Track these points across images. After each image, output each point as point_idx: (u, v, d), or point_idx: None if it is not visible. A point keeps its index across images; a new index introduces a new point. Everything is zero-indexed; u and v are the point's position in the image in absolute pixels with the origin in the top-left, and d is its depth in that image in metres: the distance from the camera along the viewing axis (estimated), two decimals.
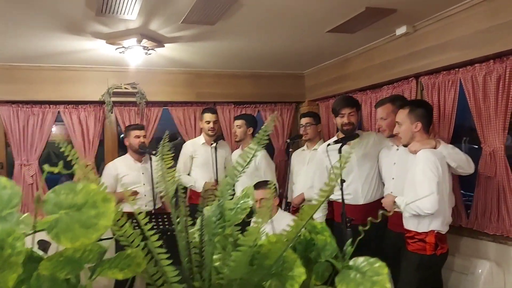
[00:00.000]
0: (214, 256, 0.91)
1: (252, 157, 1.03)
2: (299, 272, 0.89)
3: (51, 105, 4.29)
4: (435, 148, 2.59)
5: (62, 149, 0.89)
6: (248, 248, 0.87)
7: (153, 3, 2.62)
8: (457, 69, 3.13)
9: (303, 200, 3.79)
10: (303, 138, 3.97)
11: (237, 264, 0.85)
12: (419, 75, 3.47)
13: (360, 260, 0.93)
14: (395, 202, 2.70)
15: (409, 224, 2.65)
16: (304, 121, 3.97)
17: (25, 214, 0.75)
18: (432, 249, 2.55)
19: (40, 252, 0.79)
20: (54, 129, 4.55)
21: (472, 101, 3.01)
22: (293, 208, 3.90)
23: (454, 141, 3.50)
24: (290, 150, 3.96)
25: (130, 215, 0.96)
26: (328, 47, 3.94)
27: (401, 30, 3.37)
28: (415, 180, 2.53)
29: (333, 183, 0.89)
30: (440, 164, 2.50)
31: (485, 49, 2.76)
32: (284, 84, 5.06)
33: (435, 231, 2.55)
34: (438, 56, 3.17)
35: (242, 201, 1.03)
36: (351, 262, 0.94)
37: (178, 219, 0.99)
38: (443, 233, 2.58)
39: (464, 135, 3.93)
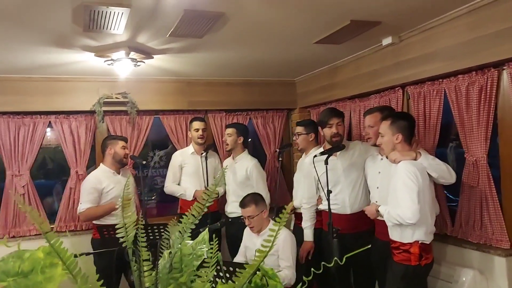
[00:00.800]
0: None
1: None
2: None
3: (42, 116, 4.32)
4: (415, 159, 2.64)
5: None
6: None
7: (138, 18, 2.65)
8: (441, 80, 3.18)
9: (294, 208, 3.82)
10: (296, 147, 3.99)
11: None
12: (405, 84, 3.51)
13: None
14: (378, 210, 2.76)
15: (394, 234, 2.70)
16: (296, 130, 3.98)
17: None
18: (416, 259, 2.60)
19: None
20: (49, 133, 4.58)
21: (456, 111, 3.06)
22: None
23: (442, 146, 3.56)
24: (280, 159, 3.99)
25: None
26: (317, 56, 3.98)
27: (387, 41, 3.42)
28: (397, 191, 2.58)
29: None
30: (420, 174, 2.55)
31: (467, 61, 2.81)
32: (276, 92, 5.09)
33: (419, 242, 2.59)
34: (422, 66, 3.21)
35: (198, 247, 1.06)
36: None
37: (135, 267, 1.03)
38: (427, 243, 2.63)
39: (452, 140, 3.97)
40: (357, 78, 4.01)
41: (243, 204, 3.24)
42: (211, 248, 1.05)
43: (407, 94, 3.55)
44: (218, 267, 1.17)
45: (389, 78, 3.59)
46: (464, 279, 2.83)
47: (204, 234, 1.13)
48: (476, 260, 2.93)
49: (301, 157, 3.96)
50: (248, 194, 3.36)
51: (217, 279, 1.13)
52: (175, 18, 2.66)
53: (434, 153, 3.27)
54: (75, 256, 0.97)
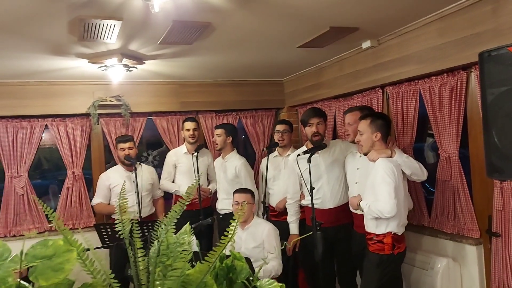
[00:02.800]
0: (156, 282, 1.15)
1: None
2: None
3: (39, 119, 4.48)
4: (391, 157, 2.84)
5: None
6: (176, 277, 1.11)
7: (130, 29, 2.83)
8: (417, 81, 3.38)
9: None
10: (280, 144, 4.20)
11: None
12: (384, 85, 3.72)
13: (263, 282, 1.18)
14: (359, 204, 2.96)
15: (369, 227, 2.91)
16: (281, 127, 4.19)
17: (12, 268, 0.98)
18: (390, 249, 2.81)
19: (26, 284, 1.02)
20: (44, 135, 4.75)
21: (430, 110, 3.27)
22: (273, 212, 4.14)
23: (419, 141, 3.77)
24: (267, 158, 4.20)
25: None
26: (302, 59, 4.17)
27: (366, 44, 3.62)
28: (375, 186, 2.78)
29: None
30: (396, 170, 2.76)
31: (437, 64, 3.02)
32: (265, 91, 5.29)
33: (392, 233, 2.80)
34: (399, 68, 3.42)
35: (181, 237, 1.25)
36: (258, 283, 1.18)
37: (131, 254, 1.22)
38: (399, 234, 2.84)
39: (431, 135, 4.17)
40: (341, 79, 4.21)
41: (241, 190, 3.48)
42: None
43: (387, 94, 3.75)
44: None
45: (370, 79, 3.79)
46: (438, 266, 3.05)
47: (186, 226, 1.32)
48: (450, 248, 3.16)
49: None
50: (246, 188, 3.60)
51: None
52: (164, 28, 2.84)
53: (411, 149, 3.49)
54: (87, 249, 1.19)
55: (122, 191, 1.37)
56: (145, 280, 1.15)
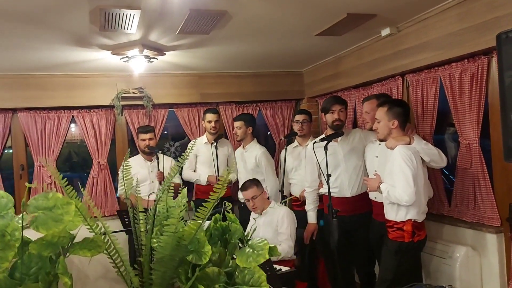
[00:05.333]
0: (153, 240, 1.21)
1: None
2: (207, 249, 1.24)
3: (65, 110, 4.64)
4: (409, 144, 2.82)
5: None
6: (171, 234, 1.16)
7: (148, 19, 2.90)
8: (437, 68, 3.33)
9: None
10: (299, 134, 4.21)
11: (165, 244, 1.15)
12: (404, 73, 3.68)
13: (255, 241, 1.22)
14: (379, 186, 2.92)
15: (389, 214, 2.90)
16: (301, 117, 4.21)
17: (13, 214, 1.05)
18: (409, 236, 2.79)
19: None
20: (74, 129, 4.91)
21: (450, 97, 3.22)
22: (296, 202, 4.16)
23: (440, 133, 3.72)
24: (286, 147, 4.22)
25: None
26: (320, 48, 4.16)
27: (385, 32, 3.59)
28: (393, 174, 2.77)
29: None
30: (414, 158, 2.74)
31: (457, 49, 2.97)
32: (284, 82, 5.30)
33: (412, 220, 2.79)
34: (419, 55, 3.37)
35: (181, 200, 1.30)
36: (249, 242, 1.23)
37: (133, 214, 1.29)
38: (420, 221, 2.82)
39: (452, 125, 4.11)
40: (360, 68, 4.18)
41: (244, 187, 3.51)
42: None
43: (407, 82, 3.71)
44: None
45: (389, 66, 3.75)
46: (457, 255, 3.01)
47: (184, 189, 1.38)
48: (469, 237, 3.11)
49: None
50: (246, 180, 3.62)
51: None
52: (181, 17, 2.89)
53: (431, 138, 3.45)
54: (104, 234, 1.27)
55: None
56: (145, 240, 1.21)
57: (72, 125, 4.83)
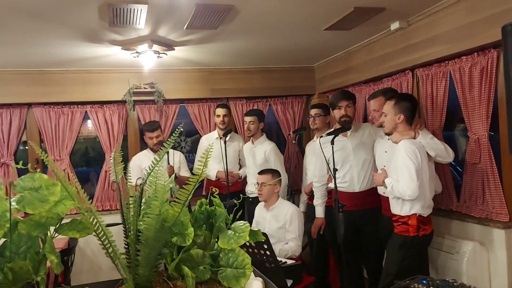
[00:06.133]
0: (139, 222, 1.25)
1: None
2: (190, 230, 1.27)
3: (79, 106, 4.73)
4: (414, 138, 2.80)
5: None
6: (155, 216, 1.19)
7: (156, 14, 2.94)
8: (447, 62, 3.29)
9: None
10: (312, 127, 4.20)
11: (148, 226, 1.19)
12: (414, 67, 3.64)
13: (237, 224, 1.25)
14: (384, 181, 2.92)
15: (394, 208, 2.89)
16: (313, 112, 4.20)
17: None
18: (414, 230, 2.78)
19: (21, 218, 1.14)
20: (90, 125, 5.01)
21: (460, 91, 3.18)
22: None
23: (450, 130, 3.68)
24: (294, 142, 4.22)
25: None
26: (330, 43, 4.15)
27: (394, 26, 3.55)
28: (397, 168, 2.76)
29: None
30: (419, 152, 2.72)
31: (467, 43, 2.93)
32: (295, 78, 5.29)
33: (417, 214, 2.77)
34: (428, 49, 3.34)
35: (169, 185, 1.34)
36: (232, 225, 1.25)
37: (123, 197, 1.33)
38: (425, 215, 2.80)
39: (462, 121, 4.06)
40: (370, 62, 4.16)
41: (261, 172, 3.56)
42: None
43: (417, 77, 3.67)
44: None
45: (399, 61, 3.72)
46: (464, 250, 2.98)
47: (173, 176, 1.41)
48: (477, 232, 3.08)
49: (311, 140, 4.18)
50: (270, 168, 3.65)
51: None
52: (189, 12, 2.93)
53: (440, 133, 3.41)
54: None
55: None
56: (132, 222, 1.25)
57: (89, 121, 4.92)
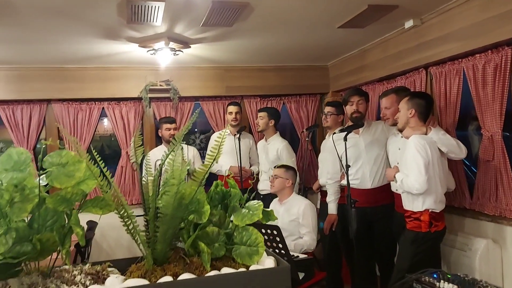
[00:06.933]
0: (158, 201, 1.31)
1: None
2: (207, 208, 1.33)
3: (96, 102, 4.84)
4: (425, 134, 2.82)
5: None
6: (173, 193, 1.25)
7: (173, 11, 3.01)
8: (460, 59, 3.30)
9: (320, 185, 4.09)
10: (323, 125, 4.24)
11: (167, 204, 1.25)
12: (428, 65, 3.65)
13: (251, 203, 1.30)
14: (395, 176, 2.95)
15: (407, 204, 2.91)
16: (326, 109, 4.22)
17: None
18: (426, 226, 2.79)
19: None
20: (106, 123, 5.12)
21: (473, 89, 3.19)
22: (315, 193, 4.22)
23: (461, 128, 3.67)
24: (307, 139, 4.26)
25: None
26: (344, 41, 4.18)
27: (408, 24, 3.57)
28: (407, 163, 2.78)
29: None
30: (429, 147, 2.73)
31: (480, 40, 2.94)
32: (309, 76, 5.33)
33: (429, 210, 2.78)
34: (442, 47, 3.35)
35: (186, 167, 1.40)
36: (246, 204, 1.31)
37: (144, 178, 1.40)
38: (437, 211, 2.80)
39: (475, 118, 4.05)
40: (384, 60, 4.17)
41: (278, 166, 3.62)
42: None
43: (430, 75, 3.68)
44: None
45: (413, 58, 3.73)
46: (477, 247, 2.98)
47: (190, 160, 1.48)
48: (490, 230, 3.07)
49: (324, 138, 4.21)
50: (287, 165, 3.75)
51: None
52: (205, 9, 2.99)
53: (454, 131, 3.42)
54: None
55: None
56: (151, 200, 1.32)
57: (105, 119, 5.03)
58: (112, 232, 4.73)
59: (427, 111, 2.99)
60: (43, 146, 1.24)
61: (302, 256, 3.16)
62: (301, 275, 2.92)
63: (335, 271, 4.02)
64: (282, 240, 2.71)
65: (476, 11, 2.91)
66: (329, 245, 3.92)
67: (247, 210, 1.34)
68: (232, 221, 1.37)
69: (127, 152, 4.88)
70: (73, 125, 4.77)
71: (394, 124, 3.27)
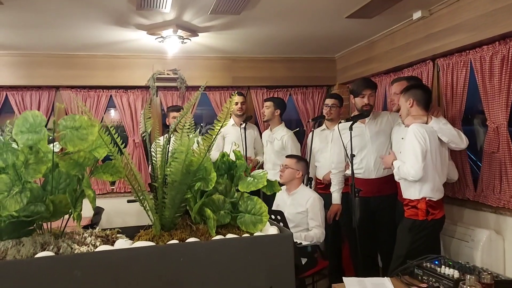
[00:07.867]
0: (167, 168, 1.35)
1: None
2: (213, 175, 1.37)
3: (104, 90, 4.89)
4: (426, 123, 2.83)
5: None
6: (181, 160, 1.28)
7: None
8: (468, 51, 3.30)
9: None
10: (327, 118, 4.26)
11: (175, 170, 1.30)
12: (435, 57, 3.66)
13: (256, 172, 1.34)
14: (392, 163, 2.97)
15: (405, 192, 2.93)
16: (330, 101, 4.25)
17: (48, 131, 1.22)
18: (423, 214, 2.79)
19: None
20: (113, 114, 5.17)
21: (480, 81, 3.19)
22: (320, 185, 4.23)
23: (467, 123, 3.68)
24: (312, 129, 4.28)
25: None
26: (352, 32, 4.18)
27: (417, 15, 3.57)
28: (404, 150, 2.81)
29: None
30: (428, 136, 2.75)
31: (489, 31, 2.94)
32: (316, 68, 5.34)
33: (426, 198, 2.79)
34: (450, 38, 3.35)
35: (194, 138, 1.44)
36: (252, 174, 1.34)
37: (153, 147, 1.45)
38: (435, 199, 2.80)
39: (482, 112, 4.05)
40: (392, 52, 4.18)
41: (289, 155, 3.68)
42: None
43: (437, 67, 3.69)
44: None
45: (421, 50, 3.74)
46: (480, 238, 2.99)
47: (197, 132, 1.51)
48: (493, 221, 3.08)
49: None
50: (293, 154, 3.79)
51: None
52: None
53: (460, 123, 3.42)
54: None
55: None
56: (160, 168, 1.35)
57: (111, 110, 5.07)
58: (118, 219, 4.78)
59: (425, 98, 2.97)
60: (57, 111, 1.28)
61: (305, 243, 3.18)
62: (303, 261, 2.95)
63: (337, 260, 4.04)
64: (286, 226, 2.74)
65: (485, 1, 2.91)
66: (332, 235, 3.94)
67: (252, 178, 1.38)
68: (238, 190, 1.41)
69: (133, 140, 4.93)
70: (81, 112, 4.82)
71: (399, 110, 3.28)
